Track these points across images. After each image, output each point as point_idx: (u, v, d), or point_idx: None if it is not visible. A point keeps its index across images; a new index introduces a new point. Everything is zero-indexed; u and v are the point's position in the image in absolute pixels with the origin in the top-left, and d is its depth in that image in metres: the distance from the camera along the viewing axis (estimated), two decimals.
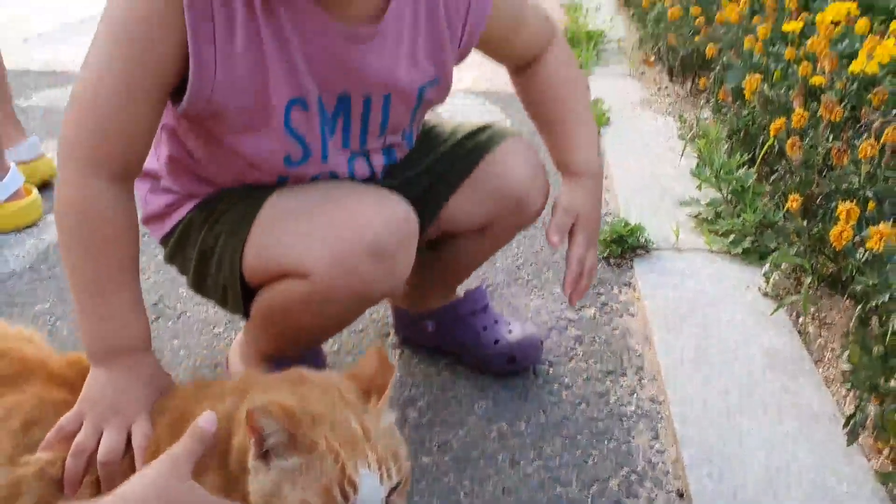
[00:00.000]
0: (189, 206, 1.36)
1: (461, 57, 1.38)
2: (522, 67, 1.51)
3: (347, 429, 0.96)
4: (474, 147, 1.48)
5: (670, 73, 3.57)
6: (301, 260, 1.21)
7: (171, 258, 1.43)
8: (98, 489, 1.05)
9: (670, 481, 1.39)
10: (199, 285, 1.39)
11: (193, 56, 1.12)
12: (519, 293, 1.98)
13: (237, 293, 1.31)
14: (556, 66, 1.49)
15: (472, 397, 1.59)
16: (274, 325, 1.33)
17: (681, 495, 1.35)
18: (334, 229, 1.21)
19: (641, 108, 3.30)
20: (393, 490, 0.96)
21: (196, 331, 1.81)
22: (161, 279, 2.01)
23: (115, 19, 1.12)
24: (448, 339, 1.71)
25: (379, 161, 1.39)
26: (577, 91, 1.52)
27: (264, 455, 0.94)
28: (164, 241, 1.41)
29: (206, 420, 0.95)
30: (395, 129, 1.36)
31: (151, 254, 2.06)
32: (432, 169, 1.46)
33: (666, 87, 3.55)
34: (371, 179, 1.38)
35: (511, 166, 1.47)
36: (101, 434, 1.06)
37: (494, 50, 1.45)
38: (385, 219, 1.22)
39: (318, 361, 1.52)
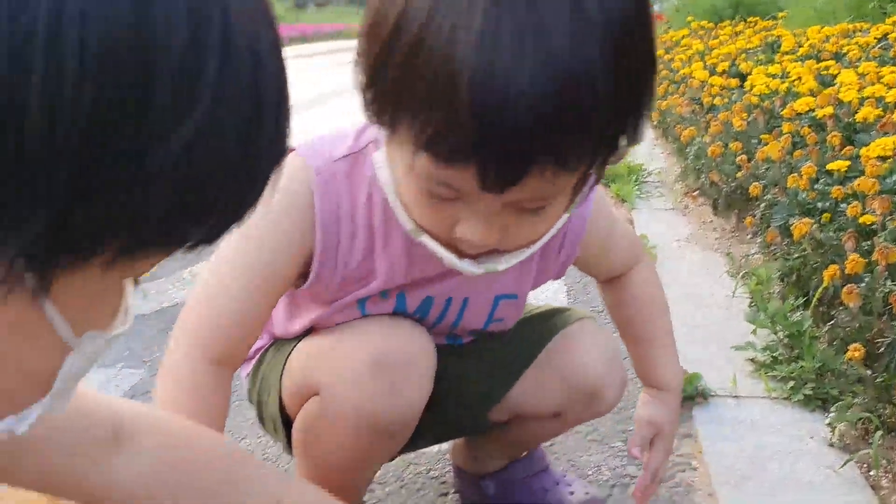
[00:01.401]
0: (265, 341, 1.42)
1: (556, 277, 1.46)
2: (608, 281, 1.54)
3: None
4: (544, 329, 1.49)
5: (714, 208, 3.60)
6: (312, 376, 1.27)
7: (248, 395, 1.48)
8: None
9: None
10: (261, 420, 1.45)
11: (317, 268, 1.23)
12: (577, 447, 1.96)
13: (279, 424, 1.37)
14: (641, 287, 1.51)
15: None
16: (306, 456, 1.35)
17: None
18: (342, 344, 1.26)
19: (688, 243, 3.33)
20: None
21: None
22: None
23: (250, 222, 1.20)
24: (509, 501, 1.68)
25: (441, 341, 1.41)
26: (659, 310, 1.53)
27: None
28: (247, 377, 1.47)
29: None
30: (464, 329, 1.41)
31: None
32: (499, 349, 1.47)
33: (711, 222, 3.57)
34: None
35: (583, 354, 1.45)
36: None
37: (582, 268, 1.51)
38: (393, 335, 1.26)
39: None
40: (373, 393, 1.23)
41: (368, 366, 1.23)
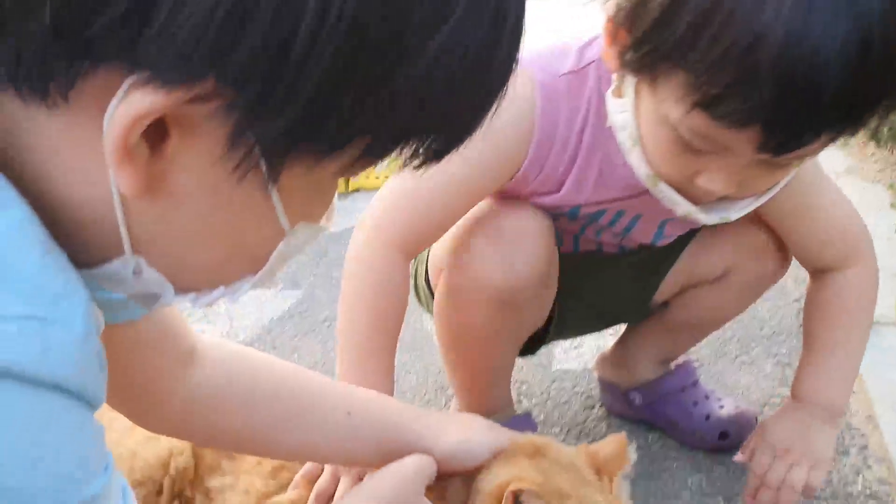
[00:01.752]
0: None
1: None
2: (813, 273, 1.45)
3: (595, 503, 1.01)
4: None
5: (876, 140, 3.40)
6: (444, 248, 1.36)
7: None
8: None
9: None
10: (415, 291, 1.57)
11: (518, 177, 1.29)
12: (727, 370, 1.93)
13: (426, 295, 1.50)
14: (840, 289, 1.40)
15: (685, 472, 1.56)
16: (443, 328, 1.42)
17: None
18: (469, 222, 1.32)
19: (847, 175, 3.17)
20: None
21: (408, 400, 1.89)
22: None
23: None
24: (657, 414, 1.69)
25: (612, 251, 1.46)
26: (845, 321, 1.41)
27: None
28: None
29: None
30: (632, 240, 1.43)
31: None
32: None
33: (873, 154, 3.39)
34: None
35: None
36: (338, 480, 1.16)
37: (783, 237, 1.44)
38: (512, 214, 1.31)
39: (529, 425, 1.55)
40: (486, 263, 1.29)
41: (484, 238, 1.29)
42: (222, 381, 1.00)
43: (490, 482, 1.03)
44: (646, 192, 1.21)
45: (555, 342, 2.12)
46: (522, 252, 1.30)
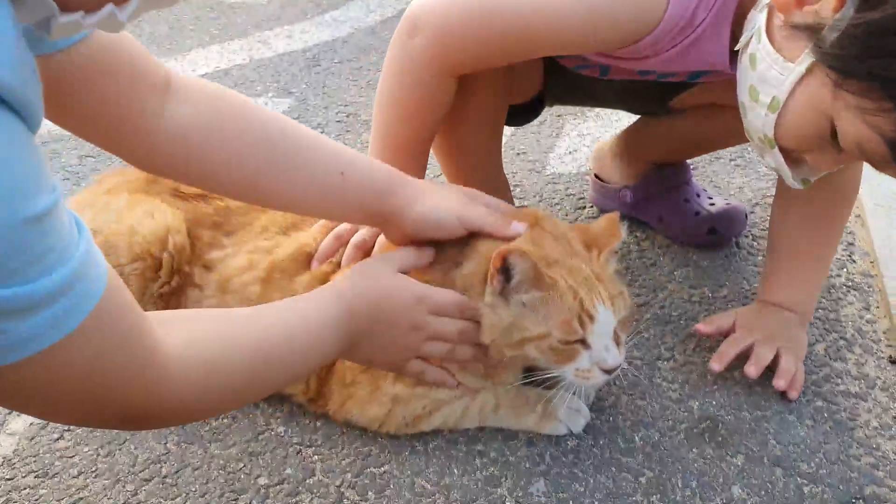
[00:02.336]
0: None
1: None
2: None
3: (581, 271, 1.06)
4: None
5: None
6: None
7: None
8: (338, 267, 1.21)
9: (881, 349, 1.35)
10: None
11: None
12: (721, 171, 1.94)
13: None
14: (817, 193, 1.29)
15: (673, 265, 1.59)
16: None
17: (893, 362, 1.32)
18: None
19: None
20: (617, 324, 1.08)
21: None
22: None
23: None
24: (648, 211, 1.71)
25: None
26: (819, 224, 1.36)
27: (501, 292, 1.05)
28: None
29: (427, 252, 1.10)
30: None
31: None
32: None
33: None
34: None
35: None
36: (356, 231, 1.22)
37: None
38: None
39: None
40: None
41: None
42: (207, 119, 1.00)
43: (488, 246, 1.07)
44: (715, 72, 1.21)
45: (551, 149, 2.12)
46: None
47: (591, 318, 1.04)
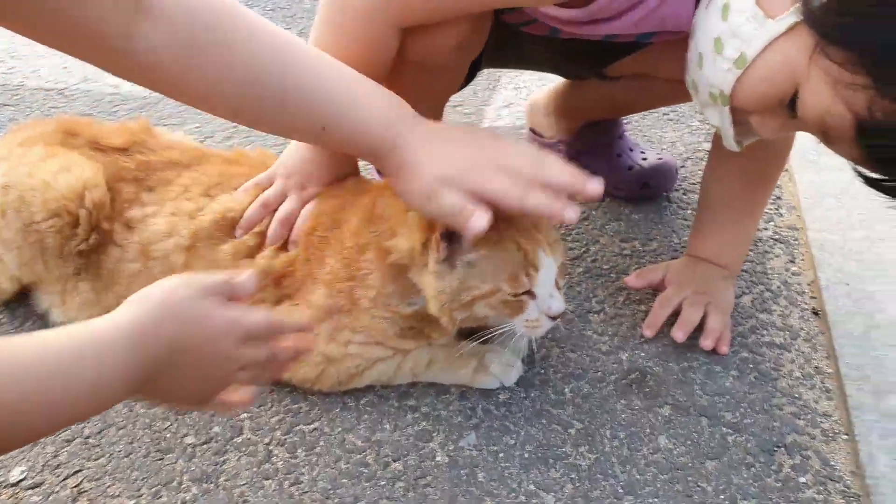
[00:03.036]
0: None
1: None
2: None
3: (519, 222, 1.06)
4: None
5: None
6: None
7: None
8: (262, 238, 1.18)
9: (806, 300, 1.38)
10: None
11: None
12: (654, 125, 1.94)
13: None
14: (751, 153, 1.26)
15: (605, 219, 1.60)
16: None
17: (816, 313, 1.35)
18: None
19: None
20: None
21: None
22: None
23: None
24: (581, 165, 1.69)
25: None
26: (752, 183, 1.36)
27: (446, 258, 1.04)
28: None
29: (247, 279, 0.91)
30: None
31: None
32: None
33: None
34: None
35: None
36: (283, 198, 1.20)
37: None
38: None
39: None
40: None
41: None
42: (184, 47, 0.89)
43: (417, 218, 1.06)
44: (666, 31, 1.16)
45: (488, 102, 2.10)
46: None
47: (536, 268, 1.05)
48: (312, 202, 1.20)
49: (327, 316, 1.12)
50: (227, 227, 1.18)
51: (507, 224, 1.05)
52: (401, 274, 1.09)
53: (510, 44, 1.42)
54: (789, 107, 0.96)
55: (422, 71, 1.31)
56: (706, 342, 1.25)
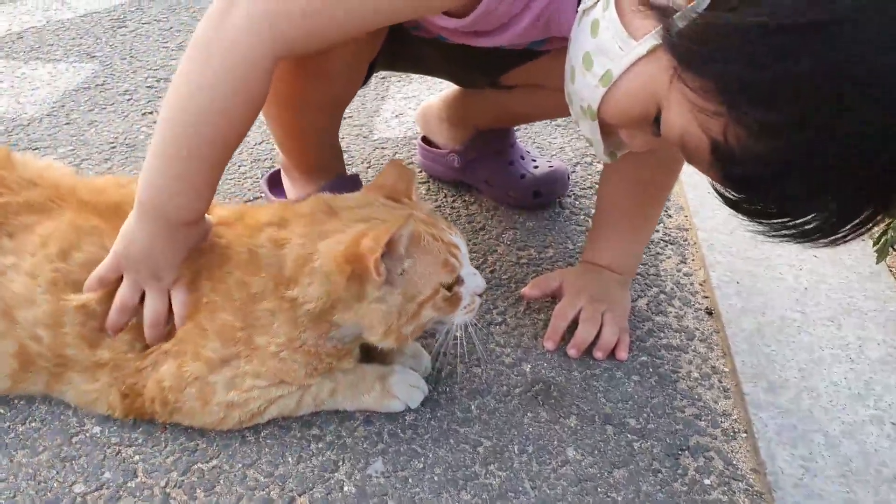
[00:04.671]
0: None
1: None
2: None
3: (418, 216, 1.06)
4: None
5: None
6: None
7: None
8: (139, 331, 1.10)
9: (699, 300, 1.41)
10: None
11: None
12: (543, 131, 1.96)
13: None
14: (644, 159, 1.27)
15: (500, 228, 1.60)
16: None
17: (709, 313, 1.38)
18: None
19: None
20: None
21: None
22: None
23: None
24: (475, 175, 1.70)
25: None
26: (652, 193, 1.37)
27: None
28: None
29: None
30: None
31: None
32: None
33: None
34: None
35: None
36: (142, 292, 1.09)
37: None
38: None
39: (355, 185, 1.51)
40: None
41: None
42: None
43: (332, 247, 1.01)
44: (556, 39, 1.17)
45: (377, 112, 2.07)
46: None
47: (458, 248, 1.06)
48: (179, 290, 1.09)
49: (223, 365, 1.06)
50: (92, 316, 1.09)
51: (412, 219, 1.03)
52: (320, 318, 1.05)
53: (405, 47, 1.40)
54: (655, 124, 0.97)
55: (318, 77, 1.28)
56: (598, 354, 1.28)
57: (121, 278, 1.09)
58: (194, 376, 1.06)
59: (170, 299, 1.10)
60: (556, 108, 1.38)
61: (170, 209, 1.06)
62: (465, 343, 1.22)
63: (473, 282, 1.09)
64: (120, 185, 1.20)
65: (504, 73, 1.47)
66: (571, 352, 1.27)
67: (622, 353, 1.28)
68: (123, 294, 1.08)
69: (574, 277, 1.35)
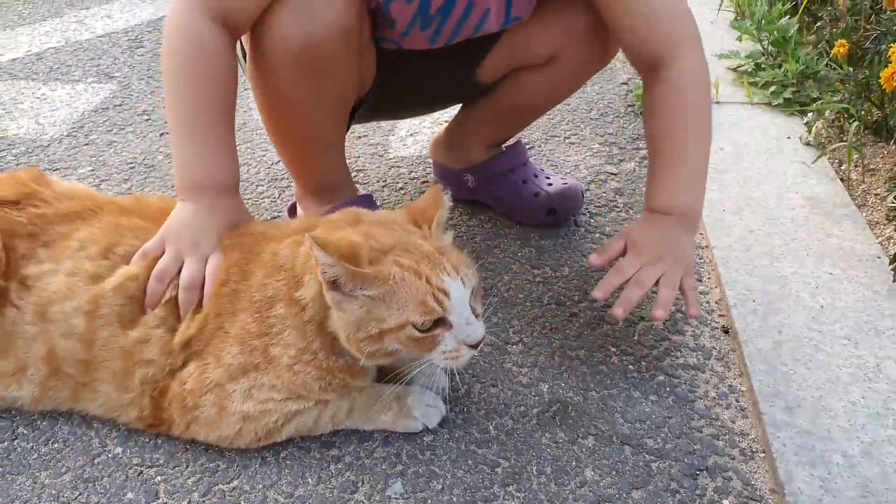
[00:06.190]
0: None
1: None
2: (646, 72, 1.37)
3: (420, 249, 1.04)
4: None
5: None
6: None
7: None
8: (173, 307, 1.13)
9: (715, 319, 1.41)
10: (242, 54, 1.49)
11: None
12: (557, 149, 1.97)
13: (241, 58, 1.45)
14: (677, 87, 1.33)
15: (515, 246, 1.61)
16: (257, 91, 1.38)
17: (726, 331, 1.38)
18: None
19: None
20: (471, 295, 1.06)
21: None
22: None
23: None
24: (489, 194, 1.71)
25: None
26: (688, 121, 1.35)
27: (335, 285, 1.02)
28: None
29: None
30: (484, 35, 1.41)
31: None
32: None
33: None
34: None
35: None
36: (182, 262, 1.15)
37: (611, 21, 1.37)
38: None
39: (369, 204, 1.53)
40: (286, 17, 1.24)
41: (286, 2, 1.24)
42: None
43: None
44: None
45: (392, 131, 2.09)
46: (324, 7, 1.24)
47: (446, 293, 1.01)
48: (216, 255, 1.17)
49: (242, 375, 1.08)
50: (130, 295, 1.13)
51: (404, 253, 1.03)
52: (322, 328, 1.06)
53: (385, 92, 1.49)
54: None
55: (311, 69, 1.29)
56: (658, 313, 1.23)
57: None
58: (214, 383, 1.09)
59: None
60: (543, 92, 1.50)
61: (198, 174, 1.22)
62: (481, 362, 1.22)
63: (465, 331, 1.04)
64: (162, 199, 1.28)
65: (478, 65, 1.53)
66: (618, 311, 1.23)
67: (693, 309, 1.25)
68: (164, 262, 1.16)
69: (637, 234, 1.32)
